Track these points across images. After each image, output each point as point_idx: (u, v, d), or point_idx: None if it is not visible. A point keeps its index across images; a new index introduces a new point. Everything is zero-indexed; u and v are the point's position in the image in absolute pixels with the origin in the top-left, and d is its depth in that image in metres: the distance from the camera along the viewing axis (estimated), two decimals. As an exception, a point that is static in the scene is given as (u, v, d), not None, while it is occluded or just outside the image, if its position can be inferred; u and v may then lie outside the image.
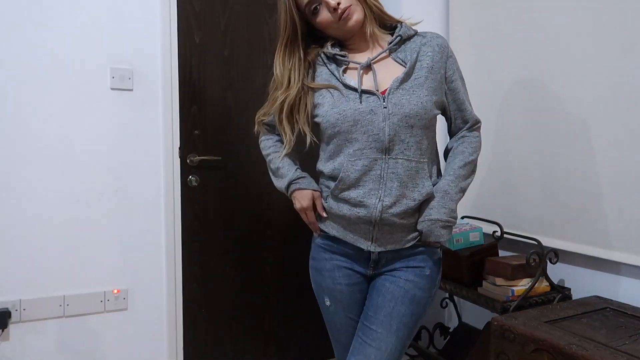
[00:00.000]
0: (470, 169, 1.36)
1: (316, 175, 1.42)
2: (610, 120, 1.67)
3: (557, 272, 1.87)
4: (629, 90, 1.61)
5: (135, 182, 2.12)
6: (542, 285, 1.79)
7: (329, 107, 1.31)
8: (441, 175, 1.40)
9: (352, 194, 1.28)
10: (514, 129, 2.04)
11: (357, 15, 1.31)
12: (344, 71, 1.35)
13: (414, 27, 1.39)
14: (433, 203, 1.29)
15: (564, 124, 1.83)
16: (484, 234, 2.00)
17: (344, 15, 1.29)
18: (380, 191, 1.26)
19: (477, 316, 2.26)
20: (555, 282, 1.84)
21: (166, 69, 2.14)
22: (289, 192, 1.41)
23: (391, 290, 1.32)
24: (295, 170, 1.41)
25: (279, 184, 1.43)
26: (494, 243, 1.99)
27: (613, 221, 1.67)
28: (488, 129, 2.17)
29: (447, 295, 2.35)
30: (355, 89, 1.29)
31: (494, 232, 2.01)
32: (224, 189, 2.33)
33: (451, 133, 1.44)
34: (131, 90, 2.09)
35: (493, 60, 2.14)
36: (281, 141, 1.43)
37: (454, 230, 1.94)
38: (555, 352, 1.30)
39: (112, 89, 2.06)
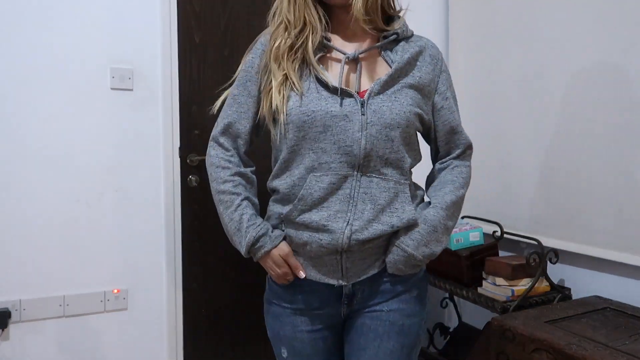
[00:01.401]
0: (459, 206, 1.15)
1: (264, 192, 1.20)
2: (610, 120, 1.67)
3: (557, 272, 1.86)
4: (628, 90, 1.61)
5: (135, 182, 2.12)
6: (542, 285, 1.79)
7: (295, 104, 1.06)
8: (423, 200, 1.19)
9: (314, 216, 1.05)
10: (514, 128, 2.04)
11: None
12: (321, 60, 1.10)
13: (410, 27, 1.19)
14: (416, 234, 1.08)
15: (564, 124, 1.83)
16: (484, 234, 2.00)
17: None
18: (349, 214, 1.05)
19: (477, 316, 2.26)
20: (555, 282, 1.84)
21: (166, 69, 2.14)
22: (255, 259, 1.12)
23: (373, 327, 1.10)
24: (254, 226, 1.09)
25: (238, 245, 1.11)
26: (494, 243, 1.99)
27: (613, 221, 1.66)
28: (488, 129, 2.17)
29: (447, 295, 2.35)
30: (331, 87, 1.06)
31: (494, 232, 2.01)
32: (224, 189, 2.33)
33: (438, 158, 1.23)
34: (131, 90, 2.09)
35: (493, 59, 2.14)
36: (241, 174, 1.15)
37: (454, 230, 1.94)
38: (555, 352, 1.30)
39: (112, 89, 2.06)
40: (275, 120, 1.10)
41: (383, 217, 1.06)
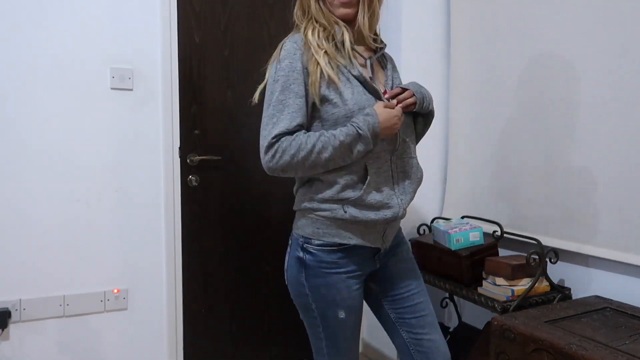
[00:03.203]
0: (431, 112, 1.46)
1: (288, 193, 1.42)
2: (610, 120, 1.67)
3: (557, 272, 1.86)
4: (628, 90, 1.61)
5: (135, 182, 2.12)
6: (542, 285, 1.79)
7: (351, 100, 1.25)
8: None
9: (377, 197, 1.28)
10: (514, 128, 2.04)
11: (351, 9, 1.30)
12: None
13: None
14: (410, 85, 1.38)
15: (564, 124, 1.83)
16: (484, 233, 2.00)
17: None
18: (396, 190, 1.33)
19: (477, 316, 2.26)
20: (555, 282, 1.84)
21: (166, 69, 2.14)
22: (377, 131, 1.24)
23: (405, 267, 1.45)
24: (352, 124, 1.24)
25: (363, 144, 1.23)
26: (494, 243, 1.99)
27: (613, 221, 1.66)
28: (488, 129, 2.17)
29: (447, 295, 2.35)
30: (374, 89, 1.30)
31: (494, 231, 2.01)
32: (224, 189, 2.33)
33: None
34: (131, 90, 2.09)
35: (493, 59, 2.14)
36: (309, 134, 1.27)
37: (453, 230, 1.94)
38: (555, 352, 1.30)
39: (112, 89, 2.06)
40: (324, 104, 1.26)
41: (412, 186, 1.37)
